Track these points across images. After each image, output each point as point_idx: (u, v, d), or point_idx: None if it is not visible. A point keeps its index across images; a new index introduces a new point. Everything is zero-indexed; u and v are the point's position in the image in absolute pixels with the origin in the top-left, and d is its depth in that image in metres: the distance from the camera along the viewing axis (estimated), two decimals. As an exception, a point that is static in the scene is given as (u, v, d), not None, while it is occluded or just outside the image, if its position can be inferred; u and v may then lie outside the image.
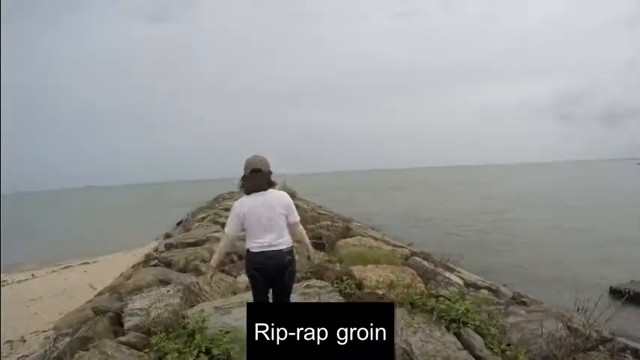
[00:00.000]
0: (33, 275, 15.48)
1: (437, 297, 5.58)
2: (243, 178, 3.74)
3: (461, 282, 7.53)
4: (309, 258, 4.44)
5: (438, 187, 63.27)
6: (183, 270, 8.10)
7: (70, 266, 17.04)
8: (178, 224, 25.96)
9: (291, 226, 3.83)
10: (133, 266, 11.64)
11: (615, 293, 10.09)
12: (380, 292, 5.57)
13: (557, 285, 10.61)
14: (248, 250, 3.70)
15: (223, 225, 12.76)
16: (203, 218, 18.39)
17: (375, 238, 10.61)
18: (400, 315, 4.83)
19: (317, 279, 6.24)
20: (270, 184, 3.76)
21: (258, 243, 3.63)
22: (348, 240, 9.51)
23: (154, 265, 8.77)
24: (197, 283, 6.30)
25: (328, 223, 12.12)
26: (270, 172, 3.79)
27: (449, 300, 5.22)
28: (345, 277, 6.08)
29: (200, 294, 6.05)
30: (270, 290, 3.81)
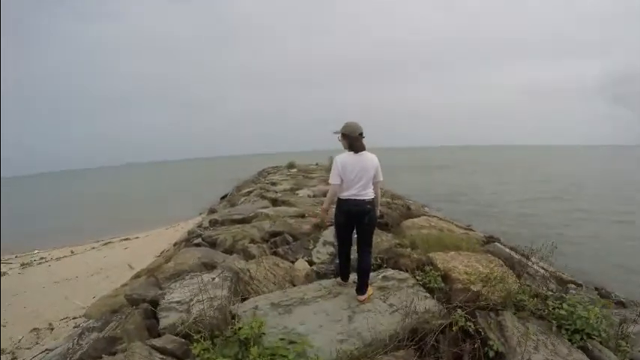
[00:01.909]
0: (72, 252, 14.88)
1: (545, 297, 4.47)
2: (350, 138, 4.45)
3: (547, 275, 6.30)
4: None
5: (483, 168, 60.75)
6: (229, 251, 7.13)
7: (110, 242, 16.45)
8: (222, 198, 25.07)
9: (375, 184, 4.59)
10: (175, 244, 10.82)
11: None
12: (474, 287, 4.47)
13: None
14: (339, 198, 4.49)
15: (272, 200, 11.79)
16: (249, 192, 17.53)
17: (439, 219, 9.42)
18: (510, 321, 3.74)
19: (392, 267, 5.18)
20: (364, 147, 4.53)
21: (349, 192, 4.40)
22: (415, 220, 8.37)
23: (197, 245, 7.92)
24: (248, 270, 5.32)
25: (388, 200, 11.00)
26: (364, 137, 4.53)
27: (564, 303, 4.07)
28: (426, 267, 5.03)
29: (251, 283, 5.08)
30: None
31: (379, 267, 5.39)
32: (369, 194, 4.45)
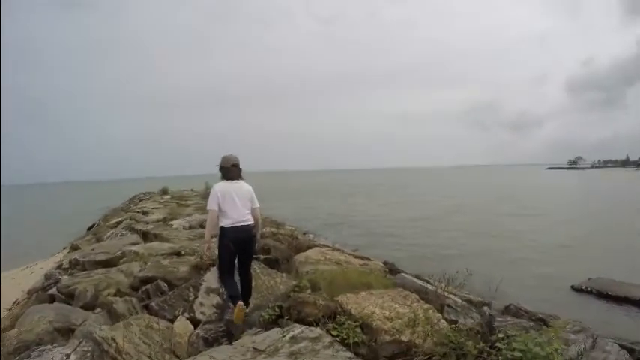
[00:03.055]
0: None
1: (480, 334, 3.94)
2: (224, 169, 4.89)
3: (464, 303, 5.82)
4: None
5: (359, 191, 62.01)
6: (91, 306, 5.86)
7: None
8: (89, 229, 22.27)
9: (253, 210, 4.96)
10: (29, 291, 9.08)
11: (578, 291, 10.60)
12: (403, 337, 3.80)
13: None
14: (222, 227, 4.72)
15: (143, 233, 10.49)
16: (117, 224, 15.82)
17: (334, 249, 8.74)
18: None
19: (296, 320, 4.30)
20: (240, 176, 4.97)
21: (231, 219, 4.70)
22: (308, 253, 7.62)
23: (52, 297, 6.64)
24: (113, 339, 4.06)
25: (272, 229, 10.16)
26: (240, 168, 5.00)
27: (513, 341, 3.45)
28: (339, 317, 4.23)
29: (119, 358, 3.92)
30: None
31: (278, 318, 4.51)
32: (250, 220, 4.86)
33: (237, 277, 5.02)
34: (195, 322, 5.01)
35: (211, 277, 6.03)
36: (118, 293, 6.24)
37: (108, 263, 8.08)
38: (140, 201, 28.83)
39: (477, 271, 11.82)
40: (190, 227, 11.96)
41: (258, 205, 5.07)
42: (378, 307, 4.41)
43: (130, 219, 15.64)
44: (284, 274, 6.32)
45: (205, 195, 23.72)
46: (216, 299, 5.51)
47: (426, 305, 4.69)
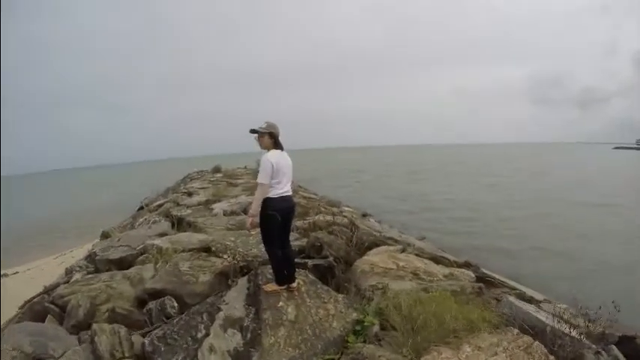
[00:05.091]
0: None
1: None
2: (275, 136, 4.57)
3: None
4: None
5: (422, 169, 58.88)
6: (85, 325, 4.40)
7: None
8: (140, 209, 20.55)
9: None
10: (27, 301, 7.58)
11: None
12: None
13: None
14: (269, 198, 4.40)
15: (179, 219, 8.84)
16: (158, 206, 14.34)
17: (404, 248, 6.70)
18: None
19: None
20: None
21: (280, 190, 4.46)
22: (374, 259, 5.57)
23: (45, 310, 5.10)
24: None
25: (328, 218, 8.27)
26: None
27: None
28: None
29: None
30: None
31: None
32: (291, 190, 4.66)
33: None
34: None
35: (236, 297, 4.31)
36: (117, 311, 4.66)
37: (121, 263, 6.44)
38: (191, 180, 27.32)
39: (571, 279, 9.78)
40: (232, 212, 10.23)
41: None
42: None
43: (172, 202, 14.12)
44: (340, 297, 4.44)
45: (257, 173, 21.95)
46: (235, 339, 3.71)
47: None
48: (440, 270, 5.52)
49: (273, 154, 4.44)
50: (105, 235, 10.62)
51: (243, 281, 4.85)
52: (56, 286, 6.36)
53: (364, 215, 15.32)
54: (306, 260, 5.50)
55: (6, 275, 12.60)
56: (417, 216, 19.84)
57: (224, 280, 5.13)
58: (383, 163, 73.06)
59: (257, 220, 4.45)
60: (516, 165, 58.66)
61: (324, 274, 5.22)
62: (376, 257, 5.55)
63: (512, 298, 4.78)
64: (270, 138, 4.51)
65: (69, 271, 7.32)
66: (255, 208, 4.38)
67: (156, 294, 4.79)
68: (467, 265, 6.82)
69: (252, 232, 5.39)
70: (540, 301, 6.03)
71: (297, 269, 4.88)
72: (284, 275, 4.59)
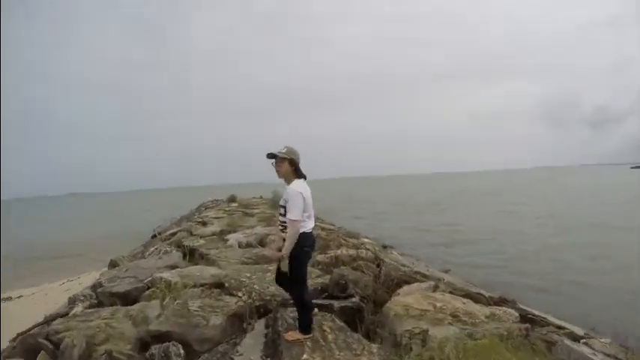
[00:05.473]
0: None
1: None
2: (297, 164, 4.07)
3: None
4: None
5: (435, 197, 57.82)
6: None
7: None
8: (153, 237, 19.91)
9: None
10: (20, 334, 7.02)
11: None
12: None
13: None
14: (303, 233, 3.90)
15: (191, 250, 8.26)
16: (172, 235, 13.80)
17: (435, 286, 6.03)
18: None
19: None
20: None
21: (311, 223, 4.06)
22: (407, 300, 4.87)
23: (38, 346, 4.58)
24: None
25: (351, 252, 7.63)
26: None
27: None
28: None
29: None
30: None
31: None
32: None
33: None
34: None
35: (252, 345, 3.72)
36: (116, 354, 4.07)
37: (125, 297, 5.87)
38: (206, 209, 26.79)
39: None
40: (247, 244, 9.62)
41: None
42: None
43: (186, 230, 13.57)
44: (374, 348, 3.80)
45: (273, 204, 21.54)
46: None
47: None
48: (480, 310, 4.85)
49: (300, 185, 4.00)
50: (113, 264, 10.08)
51: (260, 326, 4.27)
52: (55, 317, 5.85)
53: (385, 247, 14.64)
54: (332, 301, 4.83)
55: (10, 299, 12.11)
56: (437, 248, 19.01)
57: (238, 322, 4.52)
58: (389, 194, 72.19)
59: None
60: (536, 191, 57.31)
61: (352, 318, 4.58)
62: (410, 297, 4.89)
63: (568, 342, 4.19)
64: (290, 165, 4.03)
65: (72, 300, 6.78)
66: (290, 247, 3.85)
67: (160, 337, 4.19)
68: (503, 301, 6.15)
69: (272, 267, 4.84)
70: (582, 337, 5.44)
71: (321, 313, 4.36)
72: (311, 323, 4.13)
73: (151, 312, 4.91)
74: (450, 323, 4.32)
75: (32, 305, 10.83)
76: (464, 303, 4.91)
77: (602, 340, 6.24)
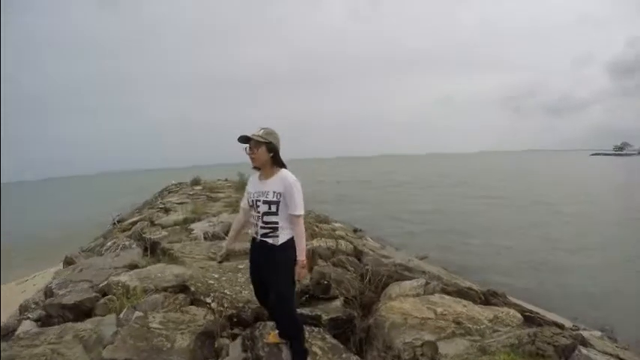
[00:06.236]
0: None
1: None
2: (272, 147, 3.29)
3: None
4: None
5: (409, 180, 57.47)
6: None
7: None
8: (116, 223, 18.23)
9: None
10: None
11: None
12: None
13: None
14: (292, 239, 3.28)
15: (152, 244, 7.50)
16: (132, 225, 12.97)
17: (424, 280, 5.46)
18: None
19: None
20: None
21: None
22: (404, 306, 4.26)
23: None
24: None
25: (330, 244, 7.01)
26: None
27: None
28: None
29: None
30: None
31: None
32: None
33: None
34: None
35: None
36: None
37: (78, 310, 5.09)
38: (169, 193, 25.63)
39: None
40: (213, 235, 8.87)
41: None
42: None
43: (147, 219, 12.74)
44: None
45: (240, 186, 20.45)
46: None
47: None
48: (481, 312, 4.31)
49: (292, 176, 3.32)
50: (68, 262, 9.20)
51: (236, 349, 3.59)
52: (5, 334, 5.09)
53: (355, 231, 14.16)
54: (317, 313, 4.16)
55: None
56: (405, 230, 18.67)
57: (208, 342, 3.84)
58: (358, 175, 71.84)
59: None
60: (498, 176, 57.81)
61: (343, 329, 3.97)
62: (406, 303, 4.28)
63: (585, 350, 3.68)
64: (267, 151, 3.27)
65: (24, 308, 6.13)
66: (304, 250, 3.29)
67: (114, 367, 3.51)
68: (493, 295, 5.64)
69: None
70: (572, 329, 5.25)
71: (307, 327, 3.75)
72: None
73: (105, 330, 4.19)
74: (453, 332, 3.77)
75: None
76: (465, 306, 4.35)
77: (592, 333, 5.89)
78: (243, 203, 3.60)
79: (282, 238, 3.23)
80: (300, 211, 3.22)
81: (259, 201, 3.27)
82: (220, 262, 3.87)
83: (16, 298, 9.60)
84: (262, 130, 3.28)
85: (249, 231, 3.50)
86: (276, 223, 3.23)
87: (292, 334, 3.39)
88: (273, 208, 3.21)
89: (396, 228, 19.04)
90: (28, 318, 5.36)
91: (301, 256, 3.23)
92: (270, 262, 3.26)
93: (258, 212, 3.27)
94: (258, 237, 3.31)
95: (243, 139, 3.30)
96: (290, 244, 3.24)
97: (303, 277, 3.34)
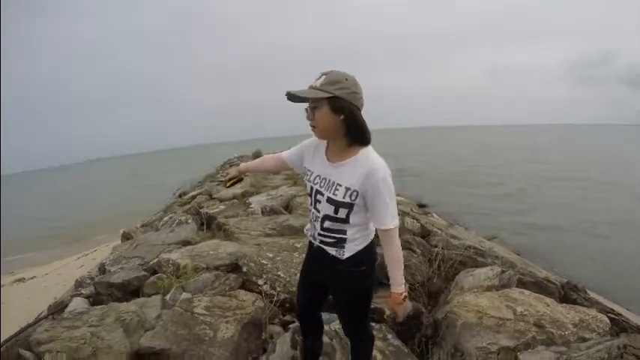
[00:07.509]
0: None
1: None
2: (341, 107, 1.92)
3: None
4: None
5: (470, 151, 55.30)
6: None
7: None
8: (180, 196, 17.34)
9: None
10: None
11: None
12: None
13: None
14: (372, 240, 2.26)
15: (208, 218, 7.23)
16: (192, 198, 12.89)
17: (500, 268, 4.85)
18: None
19: None
20: None
21: None
22: (479, 302, 3.68)
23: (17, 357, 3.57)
24: None
25: (409, 218, 6.48)
26: None
27: None
28: None
29: None
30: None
31: None
32: None
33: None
34: None
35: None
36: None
37: (125, 289, 4.86)
38: (231, 166, 25.60)
39: None
40: (271, 210, 8.48)
41: None
42: None
43: (206, 193, 12.60)
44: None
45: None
46: None
47: None
48: (565, 314, 3.65)
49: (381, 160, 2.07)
50: (126, 236, 9.17)
51: (284, 343, 3.16)
52: (50, 313, 4.93)
53: (420, 206, 13.51)
54: (378, 305, 3.54)
55: (23, 280, 11.22)
56: (470, 208, 17.54)
57: (255, 332, 3.45)
58: (412, 147, 69.89)
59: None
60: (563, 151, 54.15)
61: (408, 325, 3.45)
62: (483, 298, 3.69)
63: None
64: (333, 112, 1.93)
65: (78, 284, 5.95)
66: (402, 275, 2.20)
67: (153, 356, 3.19)
68: (573, 289, 4.95)
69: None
70: None
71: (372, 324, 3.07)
72: None
73: (149, 313, 3.88)
74: (534, 338, 3.17)
75: (41, 289, 9.88)
76: (547, 305, 3.71)
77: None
78: (286, 155, 2.59)
79: (349, 250, 2.18)
80: (393, 223, 2.05)
81: (321, 195, 2.15)
82: (228, 185, 2.92)
83: (76, 273, 9.70)
84: (323, 77, 1.93)
85: (305, 228, 2.50)
86: (344, 232, 2.15)
87: (359, 351, 2.59)
88: (342, 214, 2.09)
89: (461, 206, 18.00)
90: (81, 294, 5.21)
91: (399, 287, 2.18)
92: (335, 277, 2.31)
93: (318, 211, 2.21)
94: (316, 242, 2.31)
95: (293, 97, 1.98)
96: (363, 257, 2.20)
97: (401, 315, 2.29)
